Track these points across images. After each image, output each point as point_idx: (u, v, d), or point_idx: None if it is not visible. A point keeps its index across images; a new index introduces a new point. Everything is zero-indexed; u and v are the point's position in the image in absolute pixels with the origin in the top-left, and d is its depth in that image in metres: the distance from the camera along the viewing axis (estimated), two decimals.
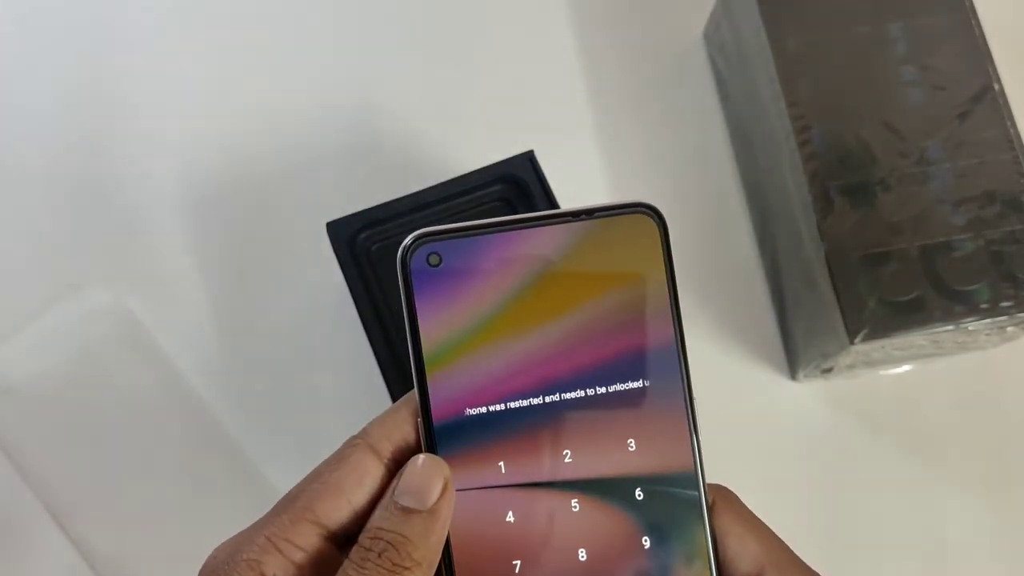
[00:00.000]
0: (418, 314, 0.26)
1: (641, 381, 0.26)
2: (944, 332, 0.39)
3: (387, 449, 0.26)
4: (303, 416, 0.46)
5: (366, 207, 0.40)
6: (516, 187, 0.40)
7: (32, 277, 0.48)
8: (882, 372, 0.47)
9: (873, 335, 0.38)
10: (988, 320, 0.39)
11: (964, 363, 0.47)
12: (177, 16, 0.52)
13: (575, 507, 0.25)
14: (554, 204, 0.40)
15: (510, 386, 0.26)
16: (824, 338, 0.41)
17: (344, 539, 0.25)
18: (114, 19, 0.52)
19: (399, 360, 0.39)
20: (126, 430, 0.45)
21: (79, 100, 0.51)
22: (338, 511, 0.25)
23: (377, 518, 0.24)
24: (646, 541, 0.25)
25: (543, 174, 0.40)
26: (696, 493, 0.26)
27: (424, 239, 0.26)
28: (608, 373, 0.26)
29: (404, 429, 0.26)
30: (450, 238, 0.26)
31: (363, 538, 0.24)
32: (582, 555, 0.25)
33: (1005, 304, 0.39)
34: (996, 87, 0.41)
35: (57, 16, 0.52)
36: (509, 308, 0.26)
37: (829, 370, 0.44)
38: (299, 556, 0.24)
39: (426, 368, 0.26)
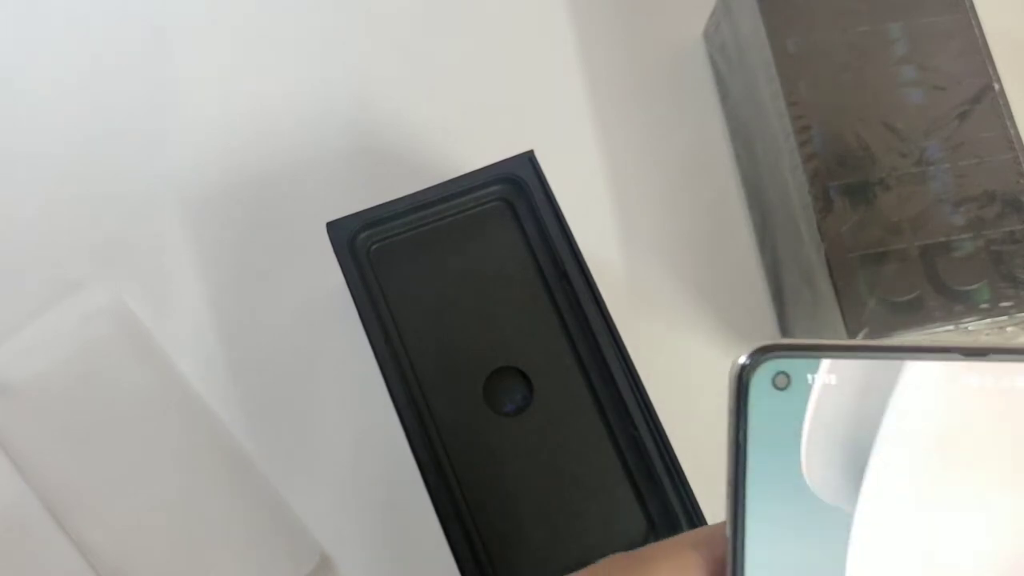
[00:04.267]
0: (749, 443, 0.21)
1: None
2: (944, 332, 0.39)
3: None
4: (303, 416, 0.46)
5: (366, 207, 0.40)
6: (516, 187, 0.40)
7: (32, 277, 0.48)
8: None
9: (873, 335, 0.38)
10: (988, 320, 0.38)
11: None
12: (177, 17, 0.52)
13: None
14: (555, 204, 0.40)
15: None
16: (824, 338, 0.41)
17: None
18: (115, 20, 0.52)
19: (399, 360, 0.39)
20: (126, 430, 0.45)
21: (79, 100, 0.50)
22: None
23: None
24: None
25: (543, 174, 0.40)
26: None
27: (773, 352, 0.20)
28: (980, 561, 0.21)
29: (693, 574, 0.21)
30: (804, 355, 0.20)
31: None
32: None
33: (1005, 304, 0.38)
34: (996, 87, 0.41)
35: (57, 16, 0.52)
36: (866, 460, 0.21)
37: None
38: None
39: (748, 511, 0.21)
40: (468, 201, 0.40)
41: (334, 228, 0.39)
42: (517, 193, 0.40)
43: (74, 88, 0.51)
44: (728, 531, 0.20)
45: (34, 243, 0.48)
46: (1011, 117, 0.41)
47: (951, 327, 0.38)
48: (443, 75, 0.51)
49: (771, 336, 0.47)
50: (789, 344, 0.20)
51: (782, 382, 0.20)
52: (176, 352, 0.47)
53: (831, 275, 0.39)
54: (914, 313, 0.39)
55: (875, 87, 0.42)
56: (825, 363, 0.20)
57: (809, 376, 0.20)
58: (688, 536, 0.22)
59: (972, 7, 0.42)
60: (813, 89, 0.42)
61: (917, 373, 0.20)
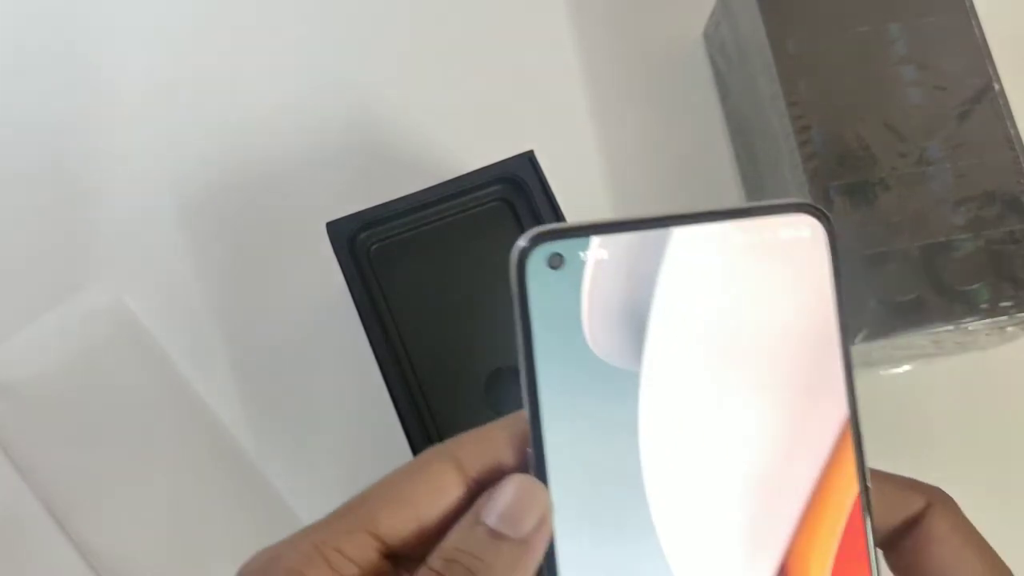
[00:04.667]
0: (533, 322, 0.22)
1: (798, 413, 0.23)
2: (944, 332, 0.39)
3: (474, 468, 0.22)
4: (303, 416, 0.46)
5: (366, 207, 0.40)
6: (516, 187, 0.40)
7: (32, 277, 0.48)
8: (882, 372, 0.47)
9: (873, 335, 0.38)
10: (988, 320, 0.38)
11: (964, 363, 0.46)
12: (177, 16, 0.52)
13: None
14: (555, 204, 0.40)
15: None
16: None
17: (403, 564, 0.22)
18: (114, 19, 0.52)
19: (399, 360, 0.39)
20: (126, 430, 0.45)
21: (78, 100, 0.50)
22: (404, 527, 0.21)
23: (456, 539, 0.21)
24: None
25: (543, 174, 0.40)
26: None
27: (545, 237, 0.22)
28: (763, 403, 0.23)
29: (500, 452, 0.22)
30: (574, 236, 0.22)
31: (434, 560, 0.20)
32: None
33: (1005, 304, 0.38)
34: (996, 87, 0.41)
35: (55, 16, 0.52)
36: (645, 322, 0.22)
37: None
38: (350, 571, 0.21)
39: (540, 386, 0.22)
40: (468, 201, 0.40)
41: (334, 228, 0.39)
42: (517, 193, 0.40)
43: (74, 88, 0.51)
44: (526, 408, 0.21)
45: (34, 244, 0.48)
46: (1011, 117, 0.41)
47: (951, 327, 0.39)
48: (443, 75, 0.51)
49: None
50: (558, 227, 0.22)
51: (557, 262, 0.22)
52: (176, 352, 0.46)
53: None
54: (914, 313, 0.39)
55: (875, 87, 0.42)
56: (594, 240, 0.22)
57: (581, 254, 0.22)
58: (499, 421, 0.23)
59: (972, 7, 0.42)
60: (813, 89, 0.42)
61: (682, 239, 0.22)
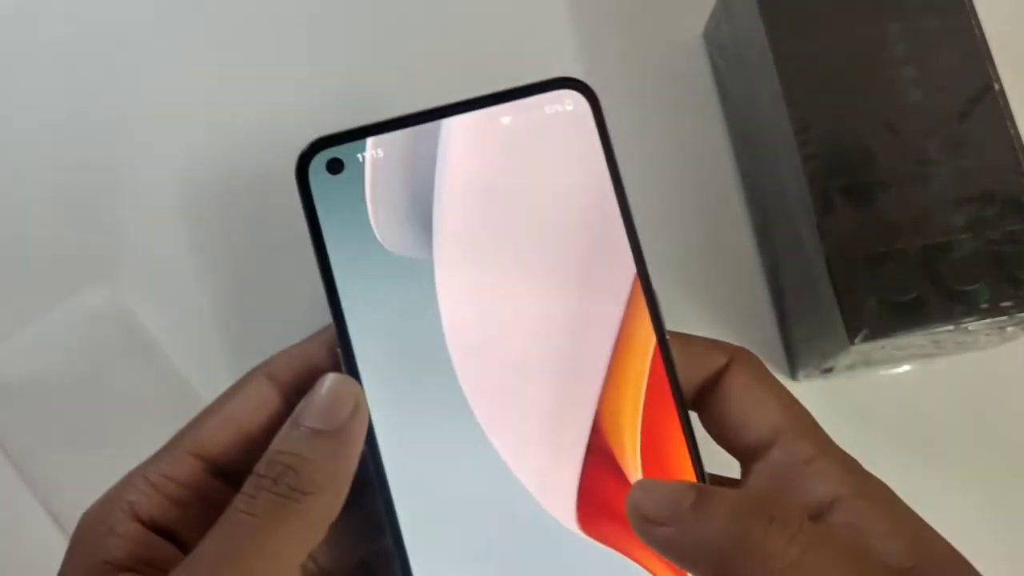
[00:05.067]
0: (323, 229, 0.23)
1: (589, 276, 0.24)
2: (944, 332, 0.39)
3: (288, 378, 0.23)
4: None
5: None
6: None
7: (32, 277, 0.48)
8: (882, 372, 0.47)
9: (873, 335, 0.38)
10: (988, 320, 0.38)
11: (964, 363, 0.46)
12: (176, 16, 0.52)
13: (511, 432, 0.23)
14: None
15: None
16: (824, 338, 0.41)
17: (238, 479, 0.22)
18: (113, 19, 0.52)
19: None
20: (126, 430, 0.45)
21: (78, 100, 0.50)
22: (227, 444, 0.22)
23: (277, 443, 0.22)
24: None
25: None
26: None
27: (321, 144, 0.23)
28: (555, 273, 0.24)
29: (313, 359, 0.23)
30: (351, 140, 0.23)
31: (259, 466, 0.21)
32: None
33: (1005, 304, 0.38)
34: (996, 87, 0.41)
35: (55, 16, 0.52)
36: (431, 212, 0.23)
37: (829, 370, 0.44)
38: (182, 493, 0.22)
39: (339, 288, 0.23)
40: None
41: None
42: None
43: (73, 88, 0.51)
44: (329, 310, 0.23)
45: (34, 243, 0.48)
46: (1011, 117, 0.41)
47: (951, 327, 0.39)
48: (443, 75, 0.51)
49: (771, 337, 0.47)
50: (332, 134, 0.23)
51: (337, 167, 0.23)
52: (176, 352, 0.46)
53: (831, 275, 0.39)
54: (914, 313, 0.39)
55: (875, 87, 0.42)
56: (369, 141, 0.23)
57: (359, 156, 0.23)
58: (312, 334, 0.24)
59: (972, 7, 0.42)
60: (813, 89, 0.42)
61: (453, 128, 0.23)
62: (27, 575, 0.43)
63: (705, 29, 0.51)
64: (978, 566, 0.47)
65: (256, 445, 0.22)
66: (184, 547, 0.22)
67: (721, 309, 0.48)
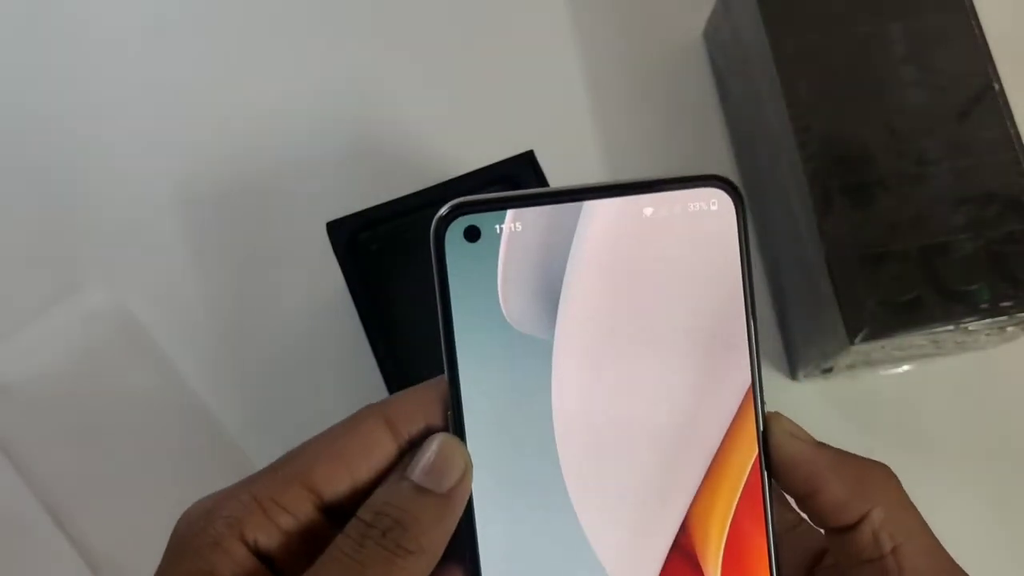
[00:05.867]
0: (451, 294, 0.23)
1: (704, 378, 0.24)
2: (944, 332, 0.39)
3: (405, 427, 0.23)
4: (303, 416, 0.46)
5: (366, 207, 0.40)
6: (516, 187, 0.40)
7: (32, 277, 0.48)
8: (882, 372, 0.47)
9: (873, 335, 0.38)
10: (988, 320, 0.38)
11: (964, 363, 0.46)
12: (177, 16, 0.52)
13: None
14: None
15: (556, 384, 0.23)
16: (824, 338, 0.41)
17: (336, 515, 0.23)
18: (113, 18, 0.52)
19: (399, 360, 0.39)
20: (126, 430, 0.45)
21: (78, 100, 0.50)
22: (337, 480, 0.22)
23: (384, 493, 0.22)
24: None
25: (543, 174, 0.40)
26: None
27: (462, 210, 0.23)
28: (670, 369, 0.24)
29: (429, 412, 0.23)
30: (492, 209, 0.23)
31: (364, 512, 0.22)
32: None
33: (1005, 304, 0.38)
34: (996, 87, 0.41)
35: (55, 16, 0.52)
36: (559, 293, 0.23)
37: (829, 370, 0.44)
38: (286, 521, 0.22)
39: (459, 354, 0.23)
40: None
41: (334, 228, 0.39)
42: None
43: (73, 89, 0.51)
44: (446, 373, 0.23)
45: (34, 244, 0.48)
46: (1011, 117, 0.41)
47: (951, 327, 0.39)
48: (443, 75, 0.51)
49: (771, 337, 0.48)
50: (475, 199, 0.23)
51: (473, 235, 0.23)
52: (176, 353, 0.46)
53: (831, 275, 0.39)
54: (914, 313, 0.39)
55: (875, 87, 0.42)
56: (509, 213, 0.23)
57: (497, 227, 0.23)
58: (429, 382, 0.24)
59: (972, 7, 0.42)
60: (813, 89, 0.42)
61: (594, 211, 0.23)
62: (27, 575, 0.43)
63: (705, 29, 0.51)
64: (979, 565, 0.47)
65: (363, 487, 0.23)
66: (279, 572, 0.22)
67: None
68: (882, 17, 0.42)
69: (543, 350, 0.24)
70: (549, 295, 0.24)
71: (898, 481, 0.25)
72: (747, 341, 0.24)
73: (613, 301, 0.24)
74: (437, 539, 0.22)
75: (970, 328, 0.39)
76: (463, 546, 0.23)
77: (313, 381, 0.46)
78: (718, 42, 0.50)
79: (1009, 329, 0.40)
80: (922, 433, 0.46)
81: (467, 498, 0.23)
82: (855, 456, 0.25)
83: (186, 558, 0.22)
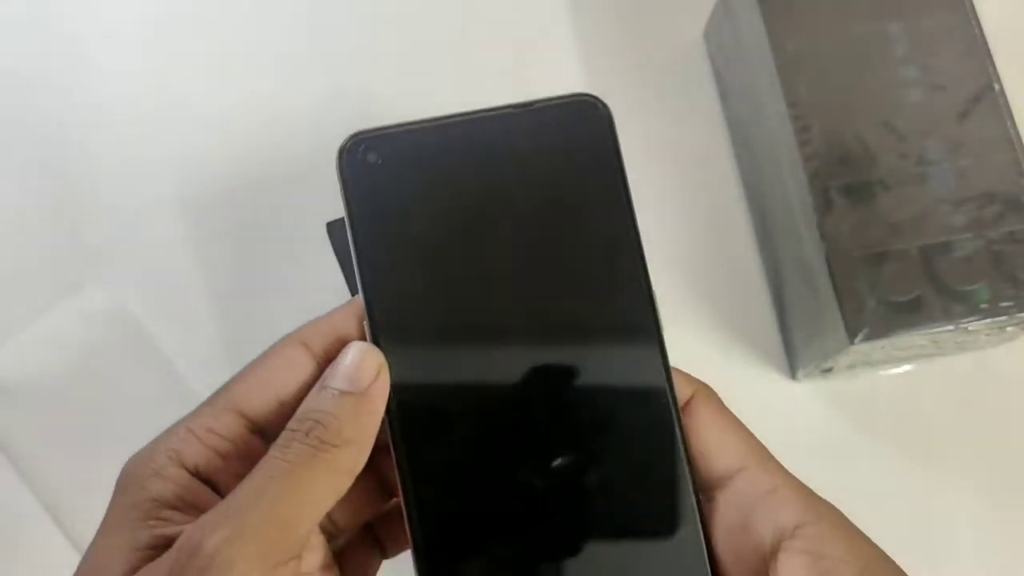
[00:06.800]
0: (357, 214, 0.26)
1: (597, 274, 0.26)
2: (944, 332, 0.39)
3: (320, 346, 0.25)
4: None
5: None
6: None
7: (32, 277, 0.48)
8: (882, 372, 0.47)
9: (873, 335, 0.38)
10: (988, 320, 0.38)
11: (964, 363, 0.46)
12: (177, 16, 0.52)
13: (536, 409, 0.25)
14: None
15: (460, 288, 0.25)
16: (824, 338, 0.41)
17: (272, 436, 0.24)
18: (113, 19, 0.52)
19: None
20: (126, 430, 0.45)
21: (79, 100, 0.50)
22: (264, 403, 0.24)
23: (307, 402, 0.24)
24: (610, 433, 0.25)
25: None
26: (662, 384, 0.25)
27: (359, 136, 0.26)
28: (562, 271, 0.25)
29: (342, 329, 0.26)
30: (386, 133, 0.26)
31: (291, 422, 0.24)
32: (543, 456, 0.25)
33: (1005, 304, 0.38)
34: (996, 87, 0.41)
35: (56, 16, 0.52)
36: (454, 205, 0.25)
37: (829, 370, 0.44)
38: (222, 445, 0.24)
39: (369, 268, 0.25)
40: None
41: (334, 228, 0.39)
42: None
43: (73, 88, 0.51)
44: (359, 286, 0.25)
45: (34, 244, 0.48)
46: (1011, 117, 0.41)
47: (951, 327, 0.39)
48: (443, 75, 0.51)
49: (771, 337, 0.47)
50: (372, 129, 0.26)
51: (373, 158, 0.26)
52: (176, 352, 0.46)
53: (831, 275, 0.39)
54: (914, 313, 0.39)
55: (875, 87, 0.42)
56: (397, 140, 0.27)
57: (391, 153, 0.26)
58: (340, 305, 0.26)
59: (972, 7, 0.42)
60: (813, 89, 0.42)
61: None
62: (28, 575, 0.43)
63: (705, 29, 0.51)
64: (978, 564, 0.47)
65: (289, 406, 0.24)
66: (223, 495, 0.24)
67: (721, 309, 0.48)
68: (882, 17, 0.42)
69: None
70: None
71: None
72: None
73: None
74: (361, 431, 0.23)
75: (970, 328, 0.39)
76: (389, 452, 0.25)
77: None
78: (718, 42, 0.50)
79: (1009, 329, 0.40)
80: (922, 433, 0.46)
81: (385, 395, 0.24)
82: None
83: (130, 491, 0.24)
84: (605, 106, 0.26)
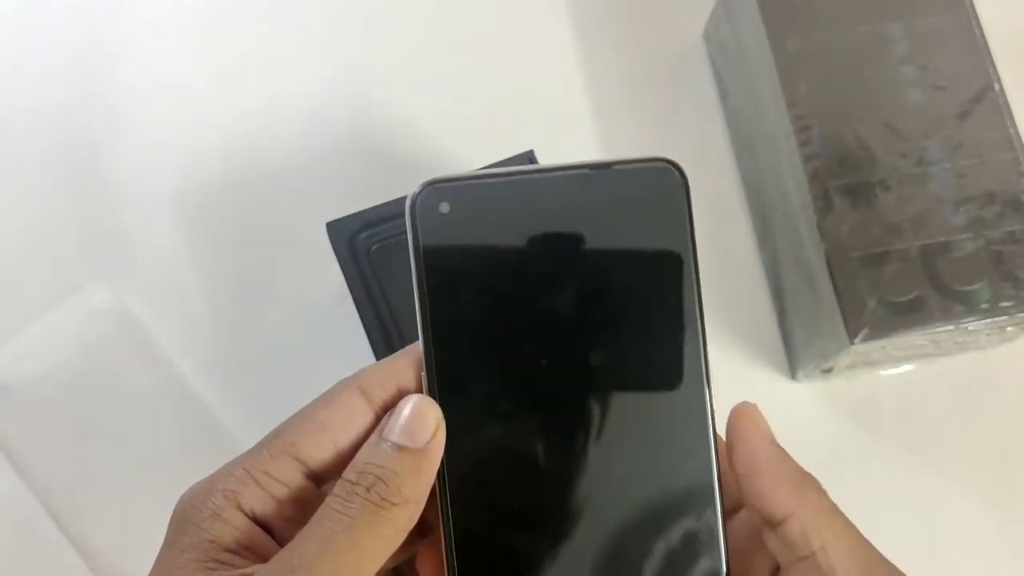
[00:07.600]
0: (425, 263, 0.25)
1: (655, 347, 0.26)
2: (944, 332, 0.39)
3: (379, 395, 0.25)
4: None
5: (366, 207, 0.40)
6: None
7: (32, 277, 0.48)
8: (882, 372, 0.47)
9: (873, 335, 0.38)
10: (988, 320, 0.39)
11: (964, 363, 0.47)
12: (177, 16, 0.52)
13: (579, 467, 0.25)
14: None
15: (520, 347, 0.25)
16: (824, 338, 0.41)
17: (324, 481, 0.25)
18: (114, 18, 0.52)
19: None
20: (126, 430, 0.45)
21: (79, 100, 0.50)
22: (321, 449, 0.24)
23: (365, 454, 0.24)
24: (654, 498, 0.25)
25: None
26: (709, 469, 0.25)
27: (433, 185, 0.25)
28: (622, 337, 0.25)
29: (401, 377, 0.25)
30: (460, 184, 0.25)
31: (349, 472, 0.24)
32: (583, 511, 0.25)
33: (1005, 304, 0.38)
34: (996, 87, 0.41)
35: (56, 15, 0.52)
36: (522, 262, 0.25)
37: (829, 370, 0.44)
38: (278, 490, 0.24)
39: (432, 320, 0.25)
40: None
41: (334, 228, 0.39)
42: None
43: (73, 88, 0.51)
44: (420, 337, 0.25)
45: (34, 244, 0.48)
46: (1011, 117, 0.41)
47: (951, 327, 0.39)
48: (443, 75, 0.51)
49: (771, 337, 0.47)
50: (446, 177, 0.25)
51: (444, 208, 0.25)
52: (176, 352, 0.46)
53: (831, 275, 0.39)
54: (914, 313, 0.39)
55: (875, 87, 0.42)
56: (470, 190, 0.25)
57: (462, 204, 0.25)
58: (399, 352, 0.26)
59: (972, 7, 0.42)
60: (813, 89, 0.42)
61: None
62: (28, 574, 0.43)
63: (705, 29, 0.51)
64: (979, 564, 0.47)
65: (345, 454, 0.24)
66: (278, 540, 0.24)
67: (721, 309, 0.48)
68: (882, 17, 0.42)
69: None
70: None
71: (827, 493, 0.27)
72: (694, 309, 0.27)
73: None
74: (418, 490, 0.23)
75: (970, 328, 0.39)
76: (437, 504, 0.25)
77: (313, 381, 0.46)
78: (718, 42, 0.50)
79: (1009, 329, 0.40)
80: (922, 433, 0.46)
81: (442, 451, 0.24)
82: (795, 462, 0.27)
83: (188, 531, 0.24)
84: (683, 173, 0.27)
